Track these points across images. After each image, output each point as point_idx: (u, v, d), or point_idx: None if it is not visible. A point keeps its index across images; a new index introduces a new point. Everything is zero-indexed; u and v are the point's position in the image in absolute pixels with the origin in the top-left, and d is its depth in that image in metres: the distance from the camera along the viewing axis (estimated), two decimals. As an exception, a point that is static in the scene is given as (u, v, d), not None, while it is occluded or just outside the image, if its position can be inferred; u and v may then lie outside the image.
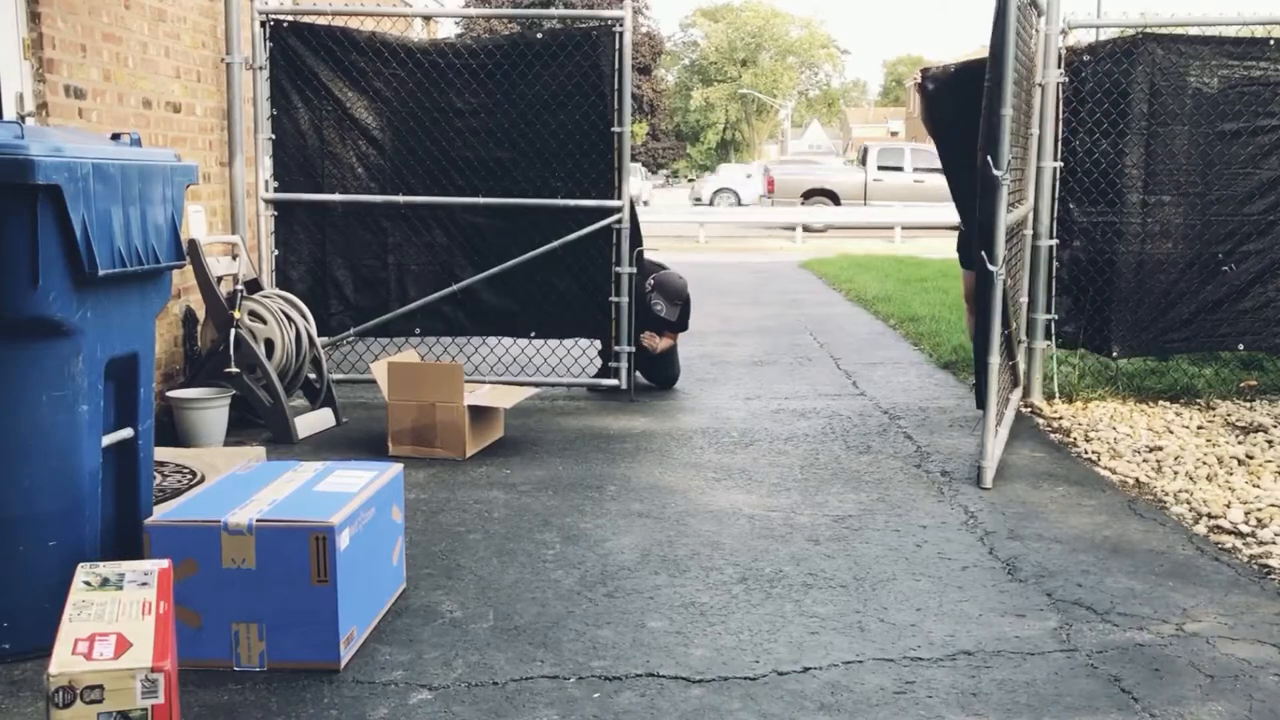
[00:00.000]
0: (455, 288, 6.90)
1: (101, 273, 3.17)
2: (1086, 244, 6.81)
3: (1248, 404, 6.74)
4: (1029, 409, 6.62)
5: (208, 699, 2.98)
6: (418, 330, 7.01)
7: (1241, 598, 3.79)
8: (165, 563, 2.86)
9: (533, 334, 7.04)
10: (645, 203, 25.55)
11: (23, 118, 4.85)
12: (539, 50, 6.74)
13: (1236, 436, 5.99)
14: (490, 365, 7.44)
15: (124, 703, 2.39)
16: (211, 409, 5.62)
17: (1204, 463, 5.46)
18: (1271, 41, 6.70)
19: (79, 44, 5.27)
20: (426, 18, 12.07)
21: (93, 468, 3.28)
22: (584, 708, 2.97)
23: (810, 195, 25.99)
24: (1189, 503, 4.87)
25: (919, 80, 6.67)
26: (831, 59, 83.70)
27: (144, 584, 2.73)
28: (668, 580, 3.89)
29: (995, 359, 5.07)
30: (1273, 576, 4.01)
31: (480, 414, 5.57)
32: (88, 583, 2.74)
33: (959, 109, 6.00)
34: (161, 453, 4.53)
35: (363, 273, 6.96)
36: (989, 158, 5.03)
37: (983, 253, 5.04)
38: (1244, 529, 4.51)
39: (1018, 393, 6.62)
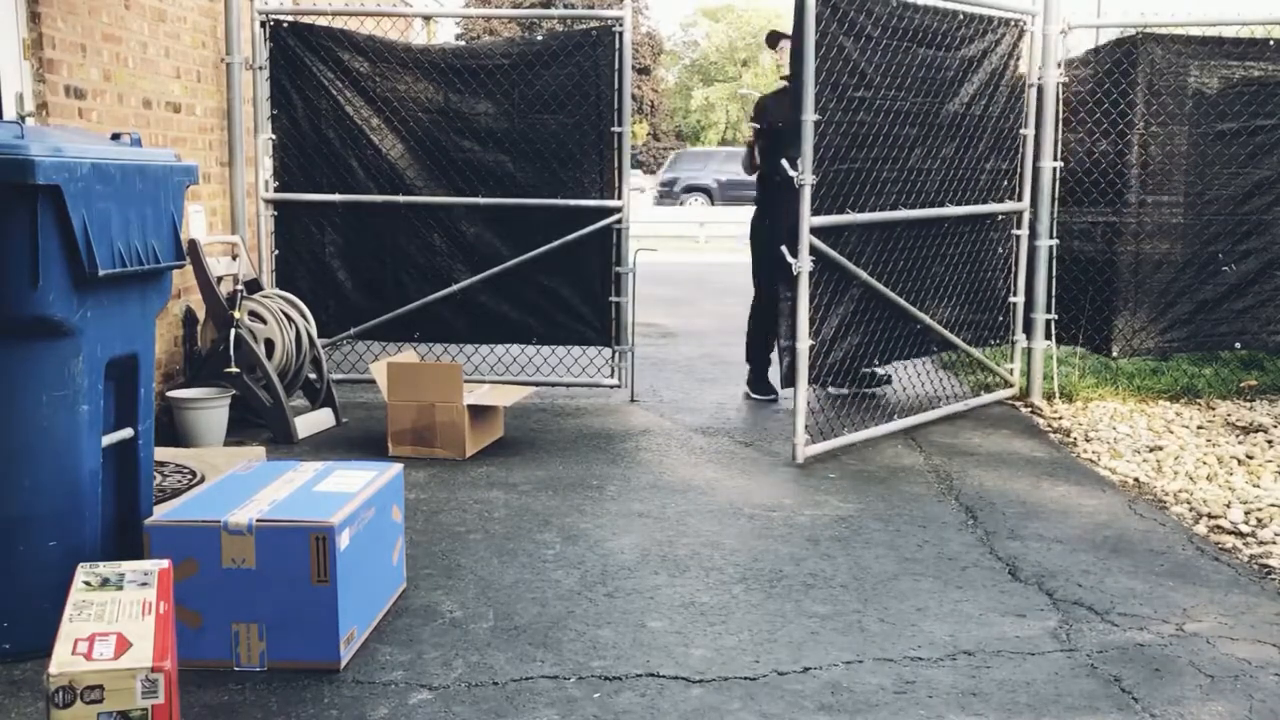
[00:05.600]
0: (455, 288, 6.90)
1: (101, 273, 3.17)
2: (1086, 243, 6.81)
3: (1248, 404, 6.74)
4: (1029, 409, 6.62)
5: (208, 699, 2.98)
6: (417, 335, 7.01)
7: (1241, 598, 3.79)
8: (165, 563, 2.86)
9: (535, 340, 7.03)
10: None
11: (23, 118, 4.85)
12: (539, 50, 6.74)
13: (1236, 436, 5.99)
14: (490, 365, 7.44)
15: (124, 703, 2.39)
16: (211, 409, 5.62)
17: (1204, 463, 5.46)
18: (1271, 42, 6.71)
19: (79, 44, 5.27)
20: (426, 18, 12.07)
21: (93, 468, 3.28)
22: (584, 708, 2.97)
23: None
24: (1189, 503, 4.87)
25: None
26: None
27: (144, 584, 2.73)
28: (668, 580, 3.89)
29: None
30: (1273, 576, 4.01)
31: (480, 414, 5.57)
32: (88, 583, 2.73)
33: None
34: (161, 453, 4.53)
35: (362, 273, 6.96)
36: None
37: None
38: (1244, 529, 4.52)
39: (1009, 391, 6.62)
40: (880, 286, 5.85)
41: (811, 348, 5.44)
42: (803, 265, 5.27)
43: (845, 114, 5.59)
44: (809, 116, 5.22)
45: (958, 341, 6.42)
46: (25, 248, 3.02)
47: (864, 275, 5.73)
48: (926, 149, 6.07)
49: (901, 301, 5.99)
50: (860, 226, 5.71)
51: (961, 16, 6.11)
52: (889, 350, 6.09)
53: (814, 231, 5.32)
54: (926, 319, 6.16)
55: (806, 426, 5.42)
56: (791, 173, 5.27)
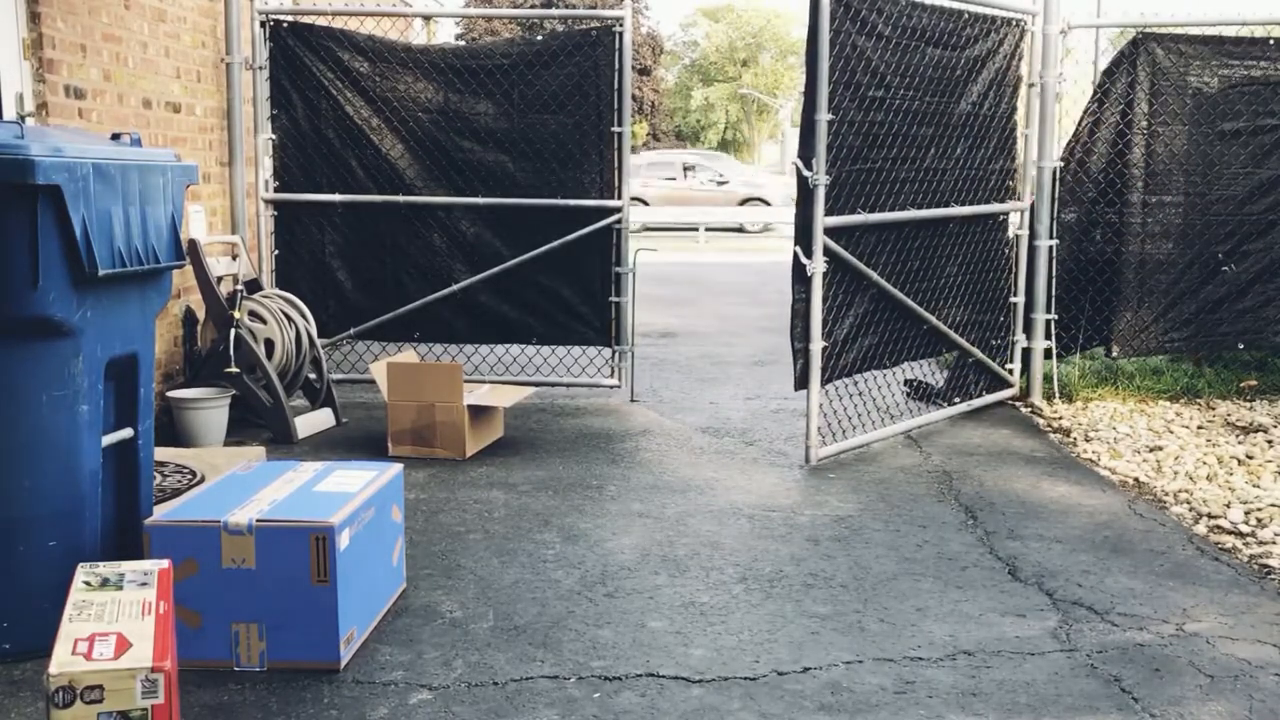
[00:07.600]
0: (455, 288, 6.90)
1: (101, 273, 3.17)
2: (1087, 244, 6.81)
3: (1248, 404, 6.74)
4: (1029, 409, 6.62)
5: (208, 699, 2.98)
6: (417, 335, 7.01)
7: (1241, 598, 3.79)
8: (165, 563, 2.86)
9: (535, 340, 7.03)
10: None
11: (23, 118, 4.85)
12: (539, 51, 6.74)
13: (1236, 436, 5.99)
14: (490, 365, 7.44)
15: (124, 703, 2.39)
16: (211, 409, 5.62)
17: (1204, 463, 5.46)
18: (1271, 41, 6.71)
19: (79, 44, 5.27)
20: (426, 18, 12.06)
21: (93, 468, 3.28)
22: (584, 708, 2.98)
23: None
24: (1189, 503, 4.87)
25: None
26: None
27: (144, 584, 2.73)
28: (668, 580, 3.90)
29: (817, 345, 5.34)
30: (1273, 576, 4.01)
31: (480, 414, 5.57)
32: (88, 583, 2.74)
33: None
34: (161, 453, 4.53)
35: (362, 273, 6.96)
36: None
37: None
38: (1244, 529, 4.52)
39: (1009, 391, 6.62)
40: (892, 289, 5.82)
41: (824, 349, 5.42)
42: (816, 266, 5.24)
43: (861, 113, 5.53)
44: (823, 116, 5.18)
45: (964, 344, 6.41)
46: (25, 248, 3.02)
47: (875, 276, 5.68)
48: (940, 149, 6.04)
49: (910, 302, 5.96)
50: (874, 227, 5.66)
51: (966, 16, 6.10)
52: (899, 351, 6.06)
53: (828, 232, 5.28)
54: (934, 320, 6.13)
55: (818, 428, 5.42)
56: (806, 173, 5.22)
